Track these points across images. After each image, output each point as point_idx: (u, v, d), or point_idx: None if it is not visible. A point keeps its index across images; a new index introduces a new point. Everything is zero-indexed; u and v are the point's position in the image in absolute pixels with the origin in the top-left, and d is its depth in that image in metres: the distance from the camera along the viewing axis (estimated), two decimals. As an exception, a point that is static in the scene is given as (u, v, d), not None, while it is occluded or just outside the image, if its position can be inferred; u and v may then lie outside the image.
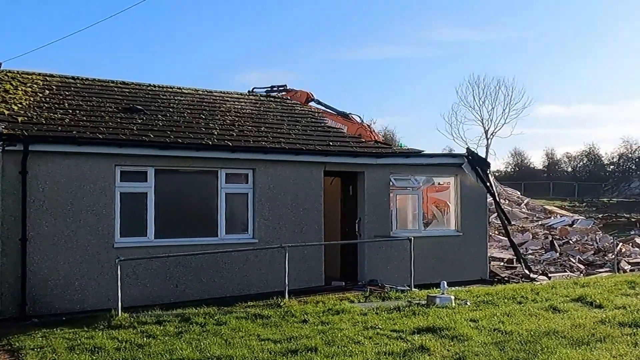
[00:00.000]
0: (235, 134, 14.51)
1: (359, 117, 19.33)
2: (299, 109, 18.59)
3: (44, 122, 12.56)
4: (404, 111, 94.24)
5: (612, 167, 67.43)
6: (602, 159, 68.06)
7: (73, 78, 16.01)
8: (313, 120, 17.69)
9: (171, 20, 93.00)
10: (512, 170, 68.23)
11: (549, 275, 17.82)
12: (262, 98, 18.67)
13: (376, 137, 18.85)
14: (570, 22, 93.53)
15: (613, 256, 20.16)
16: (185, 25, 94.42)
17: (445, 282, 12.60)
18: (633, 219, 36.70)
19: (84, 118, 13.34)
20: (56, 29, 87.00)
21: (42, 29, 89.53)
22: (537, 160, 73.89)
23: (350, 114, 19.22)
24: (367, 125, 19.49)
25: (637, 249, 23.84)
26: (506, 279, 16.99)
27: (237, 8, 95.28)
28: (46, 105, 13.60)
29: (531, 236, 25.82)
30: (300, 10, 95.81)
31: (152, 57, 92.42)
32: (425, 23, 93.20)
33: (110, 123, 13.39)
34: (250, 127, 15.36)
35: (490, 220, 22.42)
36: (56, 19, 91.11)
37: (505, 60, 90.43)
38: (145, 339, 9.37)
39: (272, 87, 20.09)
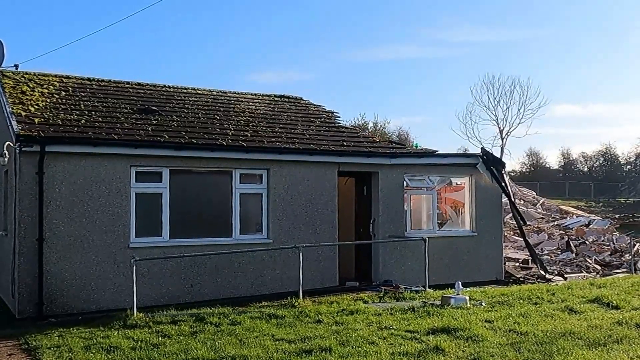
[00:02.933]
0: (249, 135, 14.55)
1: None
2: (313, 109, 18.60)
3: (60, 123, 12.67)
4: (418, 111, 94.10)
5: (629, 167, 66.76)
6: (619, 158, 67.44)
7: (89, 79, 16.14)
8: (327, 120, 17.69)
9: (184, 21, 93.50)
10: (528, 170, 67.77)
11: (565, 276, 17.68)
12: (275, 98, 18.69)
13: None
14: (584, 21, 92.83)
15: (630, 257, 19.97)
16: (198, 26, 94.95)
17: (460, 283, 12.55)
18: (650, 219, 36.28)
19: (100, 119, 13.44)
20: (72, 30, 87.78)
21: (58, 31, 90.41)
22: (552, 160, 73.49)
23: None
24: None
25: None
26: (521, 279, 16.89)
27: (249, 8, 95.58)
28: (62, 106, 13.72)
29: (547, 236, 25.65)
30: (312, 10, 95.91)
31: (165, 58, 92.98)
32: (438, 23, 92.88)
33: (126, 124, 13.48)
34: (264, 128, 15.39)
35: (505, 220, 22.30)
36: (72, 20, 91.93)
37: (519, 60, 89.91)
38: (160, 338, 9.42)
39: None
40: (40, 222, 11.67)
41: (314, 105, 19.09)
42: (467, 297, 12.09)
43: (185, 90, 17.29)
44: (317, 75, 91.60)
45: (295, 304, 11.84)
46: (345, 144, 15.47)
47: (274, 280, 13.84)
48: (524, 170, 68.04)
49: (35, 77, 15.28)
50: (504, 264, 17.45)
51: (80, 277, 12.02)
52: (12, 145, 11.76)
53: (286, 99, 18.91)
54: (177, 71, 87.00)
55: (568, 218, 32.24)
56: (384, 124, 53.84)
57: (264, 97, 18.51)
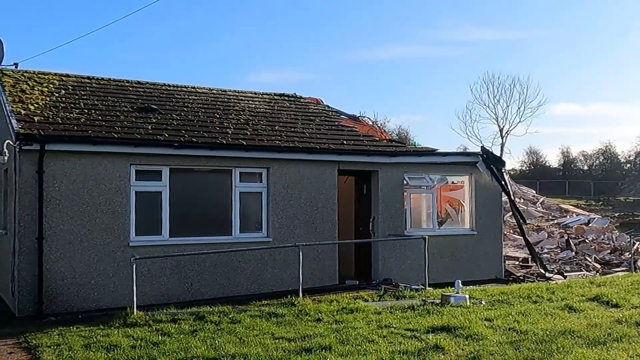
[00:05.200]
0: (249, 133, 14.54)
1: (369, 118, 19.24)
2: (313, 107, 18.59)
3: (60, 121, 12.67)
4: (417, 110, 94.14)
5: (628, 165, 66.67)
6: (619, 157, 67.37)
7: (88, 78, 16.12)
8: (327, 119, 17.68)
9: (184, 21, 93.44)
10: (527, 168, 67.71)
11: (565, 274, 17.68)
12: (275, 97, 18.68)
13: (388, 138, 18.77)
14: (584, 21, 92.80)
15: (630, 255, 19.97)
16: (198, 25, 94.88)
17: (460, 281, 12.55)
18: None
19: (100, 117, 13.43)
20: (71, 29, 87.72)
21: (57, 30, 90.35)
22: (552, 159, 73.44)
23: (360, 116, 19.16)
24: (378, 126, 19.38)
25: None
26: (521, 278, 16.89)
27: (249, 8, 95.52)
28: (62, 105, 13.71)
29: (547, 235, 25.65)
30: (312, 10, 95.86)
31: (164, 58, 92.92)
32: (438, 23, 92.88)
33: (126, 122, 13.48)
34: (264, 126, 15.39)
35: (505, 219, 22.29)
36: (71, 19, 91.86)
37: (519, 60, 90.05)
38: (160, 337, 9.43)
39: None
40: (40, 220, 11.67)
41: (314, 103, 19.07)
42: (467, 296, 12.09)
43: (185, 89, 17.27)
44: (317, 75, 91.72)
45: (295, 303, 11.84)
46: (345, 142, 15.47)
47: (273, 279, 13.85)
48: (523, 168, 67.99)
49: (34, 75, 15.26)
50: (504, 262, 17.44)
51: (80, 276, 12.03)
52: (11, 143, 11.76)
53: (286, 98, 18.89)
54: (177, 71, 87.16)
55: (568, 216, 32.25)
56: (384, 123, 53.86)
57: (264, 96, 18.49)
